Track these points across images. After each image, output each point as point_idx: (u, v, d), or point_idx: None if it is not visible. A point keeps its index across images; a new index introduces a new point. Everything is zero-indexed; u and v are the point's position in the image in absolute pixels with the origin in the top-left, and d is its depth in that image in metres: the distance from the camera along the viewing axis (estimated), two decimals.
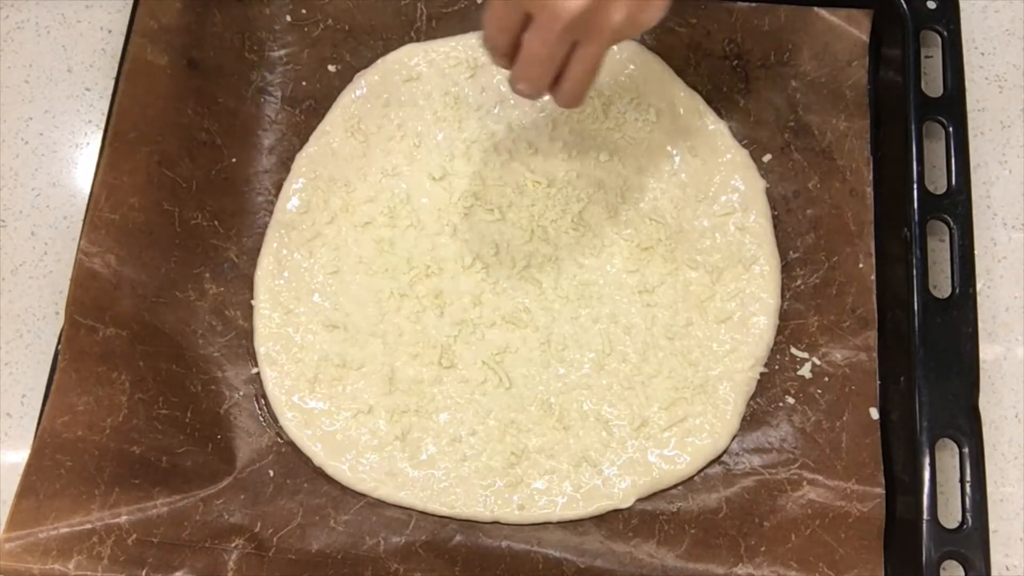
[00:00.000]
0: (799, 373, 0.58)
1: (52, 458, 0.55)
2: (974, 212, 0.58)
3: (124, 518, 0.54)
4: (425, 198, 0.62)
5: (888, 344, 0.57)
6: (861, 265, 0.59)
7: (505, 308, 0.59)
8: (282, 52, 0.65)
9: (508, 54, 0.50)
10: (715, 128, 0.63)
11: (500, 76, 0.63)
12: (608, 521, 0.56)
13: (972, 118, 0.60)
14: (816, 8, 0.62)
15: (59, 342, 0.57)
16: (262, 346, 0.60)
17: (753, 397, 0.58)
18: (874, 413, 0.56)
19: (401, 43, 0.65)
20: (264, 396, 0.59)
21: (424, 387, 0.58)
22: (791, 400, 0.58)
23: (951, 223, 0.57)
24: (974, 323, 0.55)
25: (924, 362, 0.54)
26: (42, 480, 0.54)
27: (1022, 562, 0.56)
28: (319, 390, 0.59)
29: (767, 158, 0.62)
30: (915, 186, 0.57)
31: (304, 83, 0.65)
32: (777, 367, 0.59)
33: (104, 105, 0.64)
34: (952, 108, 0.59)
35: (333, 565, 0.55)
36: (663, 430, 0.57)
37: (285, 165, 0.63)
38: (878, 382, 0.57)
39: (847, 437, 0.56)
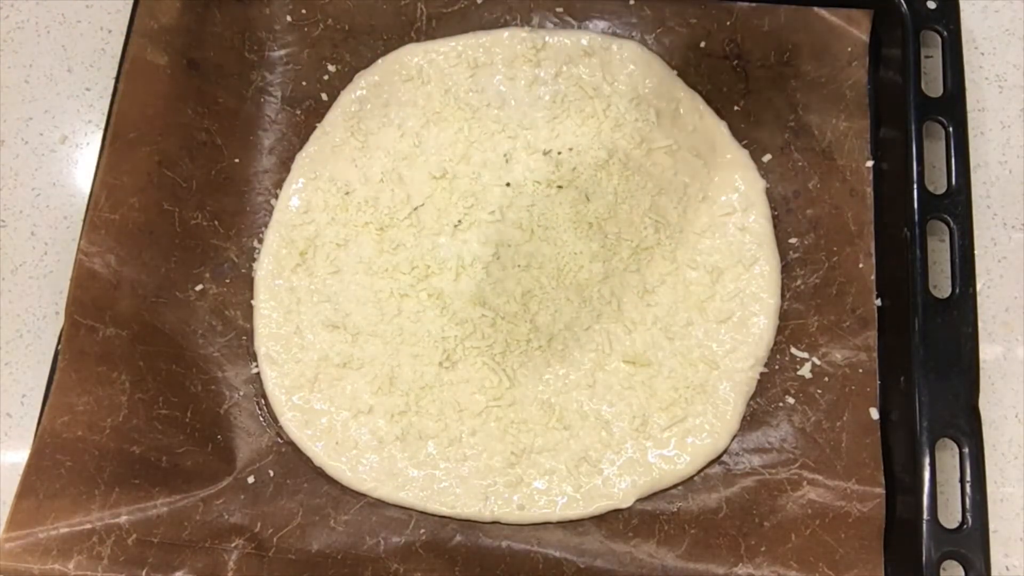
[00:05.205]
0: (799, 373, 0.58)
1: (52, 458, 0.55)
2: (974, 212, 0.58)
3: (124, 518, 0.54)
4: (425, 198, 0.62)
5: (888, 344, 0.57)
6: (861, 265, 0.59)
7: (505, 308, 0.59)
8: (282, 52, 0.65)
9: None
10: (715, 128, 0.63)
11: (500, 76, 0.64)
12: (608, 521, 0.56)
13: (972, 118, 0.60)
14: (816, 8, 0.62)
15: (59, 342, 0.57)
16: (262, 346, 0.60)
17: (753, 397, 0.58)
18: (874, 413, 0.56)
19: (401, 43, 0.65)
20: (264, 396, 0.59)
21: (424, 387, 0.58)
22: (791, 400, 0.58)
23: (951, 223, 0.57)
24: (974, 323, 0.55)
25: (924, 362, 0.54)
26: (42, 480, 0.54)
27: (1022, 562, 0.56)
28: (319, 390, 0.59)
29: (767, 158, 0.62)
30: (915, 186, 0.57)
31: (304, 83, 0.65)
32: (777, 367, 0.59)
33: (104, 105, 0.64)
34: (952, 108, 0.59)
35: (333, 565, 0.55)
36: (663, 430, 0.57)
37: (285, 165, 0.63)
38: (878, 382, 0.57)
39: (847, 437, 0.56)
